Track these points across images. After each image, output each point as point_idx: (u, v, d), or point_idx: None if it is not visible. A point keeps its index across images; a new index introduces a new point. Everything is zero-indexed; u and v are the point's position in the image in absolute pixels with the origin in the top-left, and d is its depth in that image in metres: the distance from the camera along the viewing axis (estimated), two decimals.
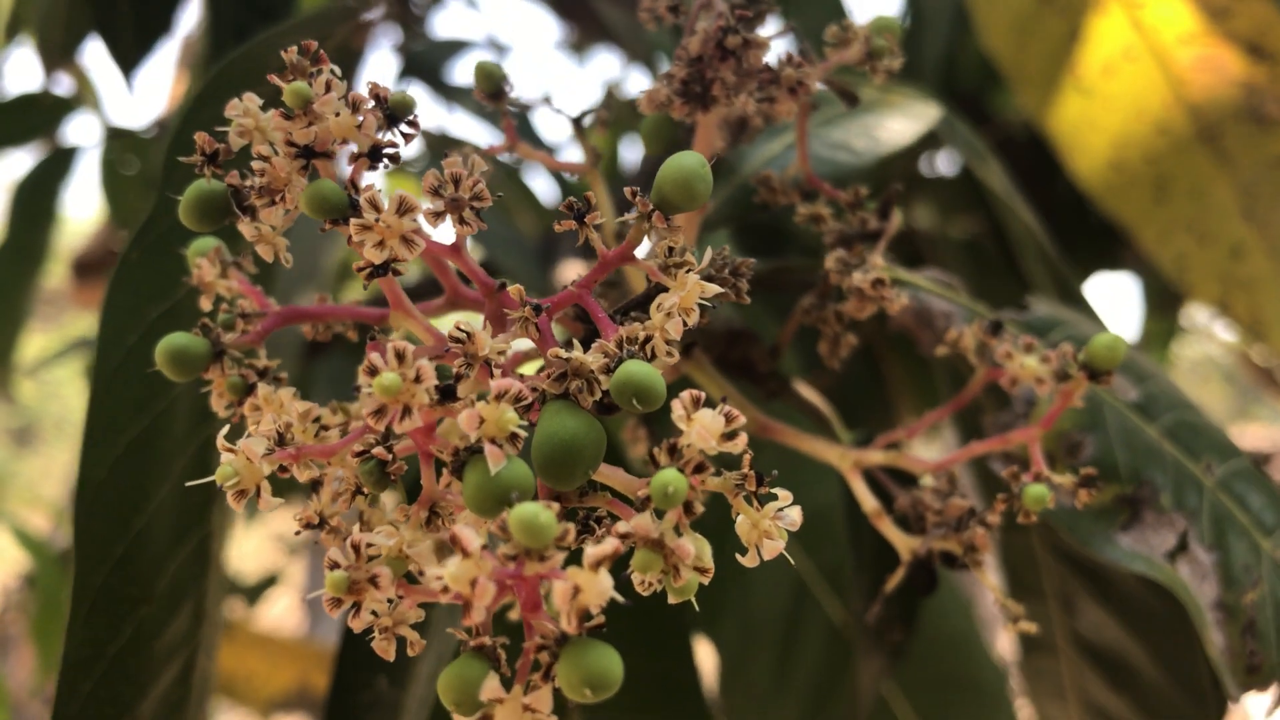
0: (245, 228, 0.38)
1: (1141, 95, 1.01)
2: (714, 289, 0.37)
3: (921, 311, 0.60)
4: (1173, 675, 0.75)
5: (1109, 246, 1.53)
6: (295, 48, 0.37)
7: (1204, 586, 0.57)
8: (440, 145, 1.61)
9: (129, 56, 0.92)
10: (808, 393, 0.63)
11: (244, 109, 0.38)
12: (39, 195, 1.73)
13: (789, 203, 0.56)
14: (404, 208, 0.35)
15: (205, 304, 0.44)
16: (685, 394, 0.32)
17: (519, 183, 1.68)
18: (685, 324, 0.36)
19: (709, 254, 0.37)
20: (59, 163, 1.72)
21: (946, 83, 1.41)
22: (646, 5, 0.51)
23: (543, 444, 0.33)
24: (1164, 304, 1.74)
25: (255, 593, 2.03)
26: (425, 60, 1.85)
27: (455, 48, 1.90)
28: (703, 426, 0.31)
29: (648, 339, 0.35)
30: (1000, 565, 0.91)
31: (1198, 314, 1.83)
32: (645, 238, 0.38)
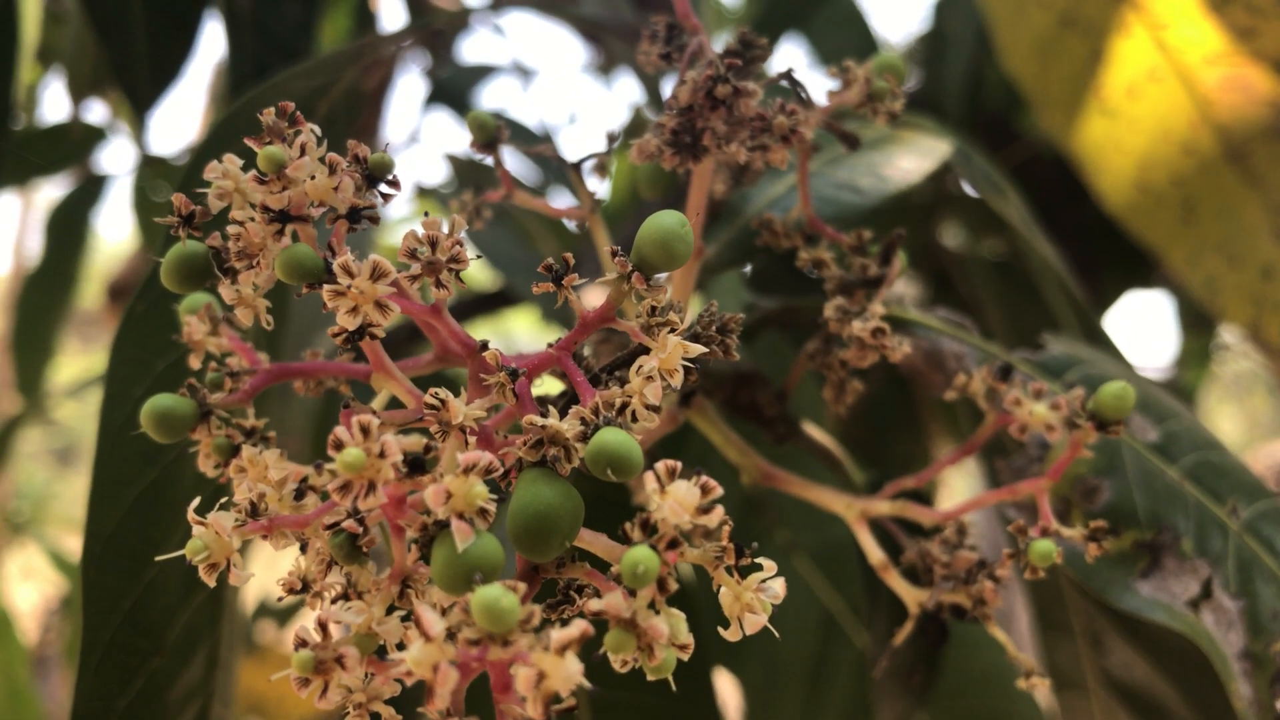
0: (225, 290, 0.38)
1: (1167, 116, 0.99)
2: (697, 349, 0.36)
3: (932, 353, 0.58)
4: (1205, 717, 0.73)
5: (1143, 264, 1.50)
6: (273, 109, 0.37)
7: (1230, 635, 0.55)
8: (468, 171, 1.61)
9: (144, 96, 0.92)
10: (818, 435, 0.62)
11: (222, 170, 0.37)
12: (72, 222, 1.75)
13: (792, 246, 0.54)
14: (378, 273, 0.34)
15: (194, 362, 0.44)
16: (660, 465, 0.31)
17: None
18: (670, 386, 0.35)
19: (690, 314, 0.36)
20: (91, 190, 1.74)
21: (972, 102, 1.39)
22: (643, 50, 0.50)
23: (518, 515, 0.33)
24: (1200, 322, 1.70)
25: (286, 615, 2.03)
26: (452, 86, 1.86)
27: (482, 73, 1.91)
28: (676, 501, 0.30)
29: (624, 405, 0.34)
30: (1028, 602, 0.89)
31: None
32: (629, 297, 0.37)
